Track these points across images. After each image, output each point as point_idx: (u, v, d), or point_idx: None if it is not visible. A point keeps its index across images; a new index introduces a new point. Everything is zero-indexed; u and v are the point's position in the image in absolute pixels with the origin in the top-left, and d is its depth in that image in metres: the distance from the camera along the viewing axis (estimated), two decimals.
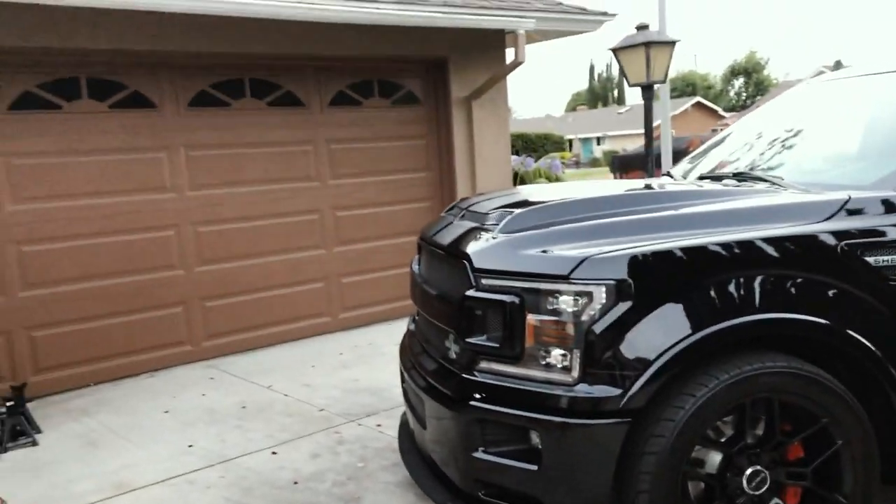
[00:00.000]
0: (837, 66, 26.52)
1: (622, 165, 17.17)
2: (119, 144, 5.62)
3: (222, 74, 6.07)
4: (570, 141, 52.12)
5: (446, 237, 3.20)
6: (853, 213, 2.66)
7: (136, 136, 5.69)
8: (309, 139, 6.54)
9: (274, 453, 4.11)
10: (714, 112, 51.97)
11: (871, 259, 2.58)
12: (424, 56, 6.93)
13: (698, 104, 52.56)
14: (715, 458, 2.56)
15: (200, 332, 6.07)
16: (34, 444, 4.42)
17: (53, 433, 4.59)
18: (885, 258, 2.58)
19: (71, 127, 5.44)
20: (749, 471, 2.54)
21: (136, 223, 5.72)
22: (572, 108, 78.67)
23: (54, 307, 5.42)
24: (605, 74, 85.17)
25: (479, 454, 2.65)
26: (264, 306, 6.37)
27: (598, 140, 55.33)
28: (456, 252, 2.96)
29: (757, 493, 2.54)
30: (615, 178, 17.92)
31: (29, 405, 4.79)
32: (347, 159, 6.74)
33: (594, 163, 47.19)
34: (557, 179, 11.31)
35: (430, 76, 7.16)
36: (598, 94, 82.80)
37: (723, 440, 2.58)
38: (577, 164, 45.46)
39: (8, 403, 4.57)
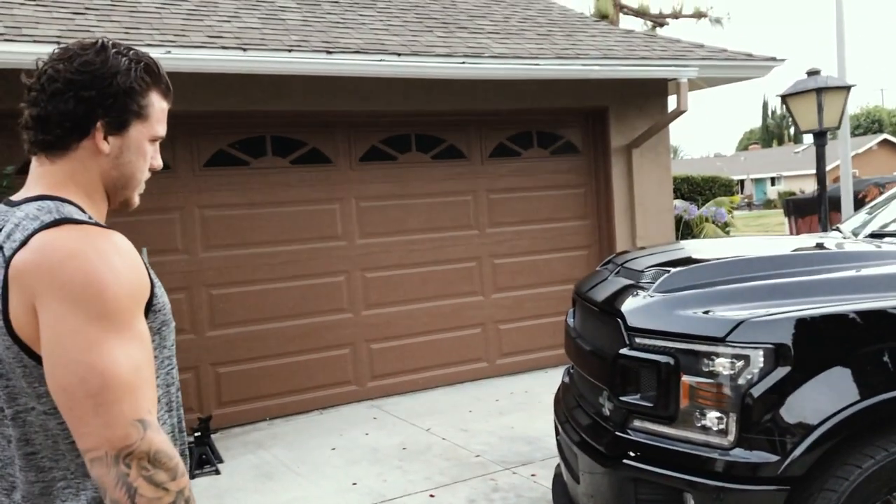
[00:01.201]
0: None
1: (797, 209, 16.25)
2: (297, 197, 6.10)
3: (390, 130, 6.45)
4: (742, 182, 49.91)
5: (601, 293, 3.25)
6: None
7: (313, 188, 6.16)
8: (469, 189, 6.78)
9: (432, 496, 4.26)
10: None
11: None
12: (583, 107, 7.02)
13: (885, 142, 48.81)
14: None
15: (366, 373, 6.39)
16: (217, 472, 4.83)
17: (233, 463, 4.99)
18: None
19: (256, 181, 5.98)
20: None
21: (310, 269, 6.16)
22: (744, 146, 75.49)
23: (237, 346, 5.92)
24: (779, 112, 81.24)
25: None
26: (425, 349, 6.62)
27: (773, 181, 52.66)
28: (610, 309, 3.01)
29: None
30: (789, 221, 16.97)
31: (213, 436, 5.24)
32: (505, 208, 6.92)
33: (768, 204, 44.92)
34: (724, 226, 10.93)
35: (590, 125, 7.24)
36: (773, 133, 78.95)
37: None
38: (750, 206, 43.45)
39: (196, 434, 5.03)
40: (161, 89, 1.46)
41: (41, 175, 1.40)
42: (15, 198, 1.40)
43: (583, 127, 7.26)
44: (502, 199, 6.93)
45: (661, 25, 15.97)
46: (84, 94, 1.35)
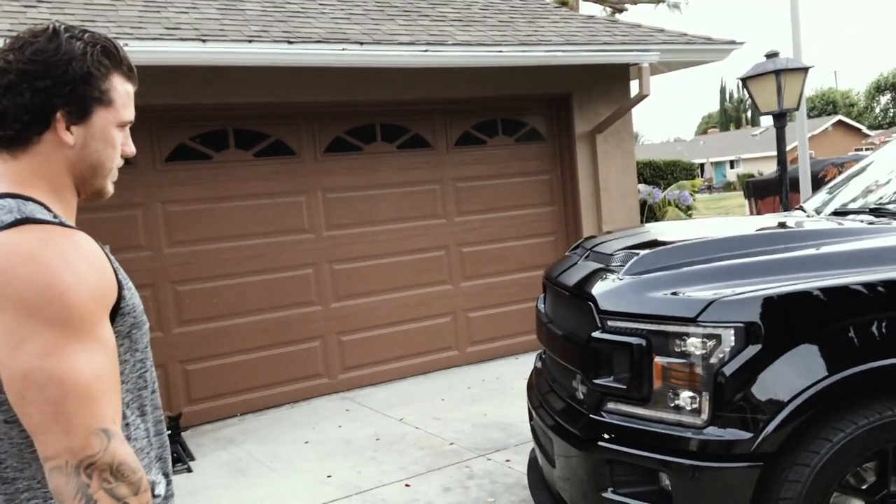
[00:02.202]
0: None
1: (757, 190, 16.49)
2: (262, 190, 6.03)
3: (355, 121, 6.40)
4: (702, 165, 50.57)
5: (571, 278, 3.27)
6: None
7: (278, 181, 6.09)
8: (436, 178, 6.77)
9: (407, 486, 4.26)
10: (858, 131, 49.11)
11: None
12: (547, 93, 7.03)
13: (840, 123, 49.81)
14: None
15: (337, 365, 6.36)
16: (189, 470, 4.78)
17: (205, 460, 4.94)
18: None
19: (219, 174, 5.89)
20: None
21: (277, 263, 6.10)
22: (703, 130, 76.48)
23: (205, 342, 5.84)
24: (737, 95, 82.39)
25: (609, 494, 2.68)
26: (395, 340, 6.60)
27: (732, 163, 53.45)
28: (581, 293, 3.02)
29: None
30: (749, 203, 17.22)
31: (183, 434, 5.18)
32: (472, 197, 6.92)
33: (728, 187, 45.60)
34: (687, 209, 11.06)
35: (553, 112, 7.26)
36: (731, 116, 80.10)
37: (864, 487, 2.49)
38: (710, 189, 44.07)
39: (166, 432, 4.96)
40: (123, 71, 1.39)
41: (3, 172, 1.33)
42: None
43: (547, 114, 7.28)
44: (469, 187, 6.92)
45: (621, 11, 16.07)
46: (39, 84, 1.28)
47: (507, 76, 6.51)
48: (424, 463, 4.56)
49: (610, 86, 7.13)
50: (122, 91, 1.39)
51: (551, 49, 6.27)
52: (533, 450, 3.72)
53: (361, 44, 5.58)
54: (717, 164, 54.03)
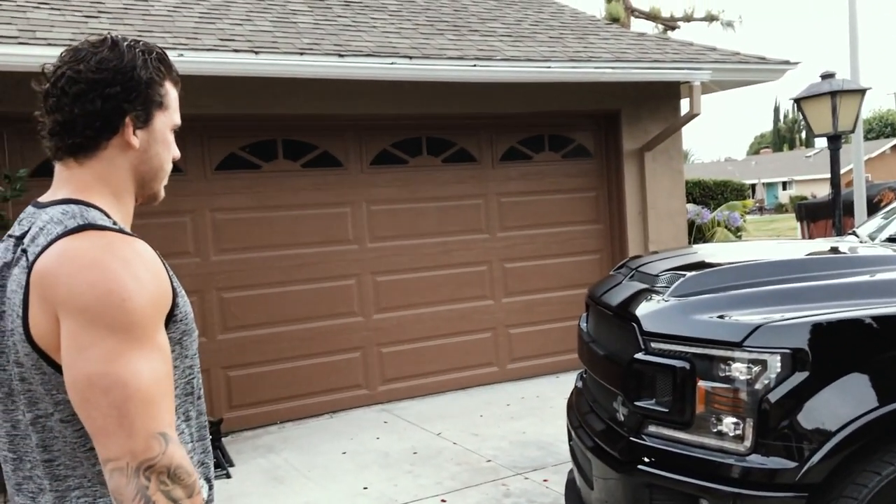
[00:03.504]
0: None
1: (810, 213, 16.14)
2: (308, 200, 6.10)
3: (401, 134, 6.44)
4: (753, 186, 49.71)
5: (615, 298, 3.23)
6: None
7: (324, 192, 6.15)
8: (480, 193, 6.76)
9: (443, 501, 4.24)
10: None
11: None
12: (596, 110, 6.99)
13: None
14: None
15: (376, 377, 6.38)
16: (228, 476, 4.82)
17: (244, 467, 4.98)
18: None
19: (267, 184, 5.98)
20: None
21: (321, 273, 6.15)
22: (755, 150, 75.24)
23: (247, 349, 5.92)
24: (791, 116, 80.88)
25: None
26: (436, 354, 6.59)
27: (784, 185, 52.43)
28: (625, 314, 2.98)
29: None
30: (802, 226, 16.84)
31: (223, 440, 5.24)
32: (516, 212, 6.90)
33: (780, 209, 44.72)
34: (737, 231, 10.87)
35: (602, 129, 7.21)
36: (784, 137, 78.64)
37: None
38: (762, 211, 43.27)
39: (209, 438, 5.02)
40: (173, 77, 1.47)
41: (68, 178, 1.38)
42: (42, 199, 1.39)
43: (595, 130, 7.23)
44: (513, 202, 6.90)
45: (673, 29, 15.93)
46: (109, 91, 1.34)
47: (556, 92, 6.49)
48: (461, 479, 4.53)
49: (659, 104, 7.06)
50: (174, 96, 1.47)
51: (600, 66, 6.24)
52: (571, 470, 3.67)
53: (410, 58, 5.62)
54: (769, 186, 53.06)
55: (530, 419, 5.63)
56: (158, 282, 1.29)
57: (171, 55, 4.90)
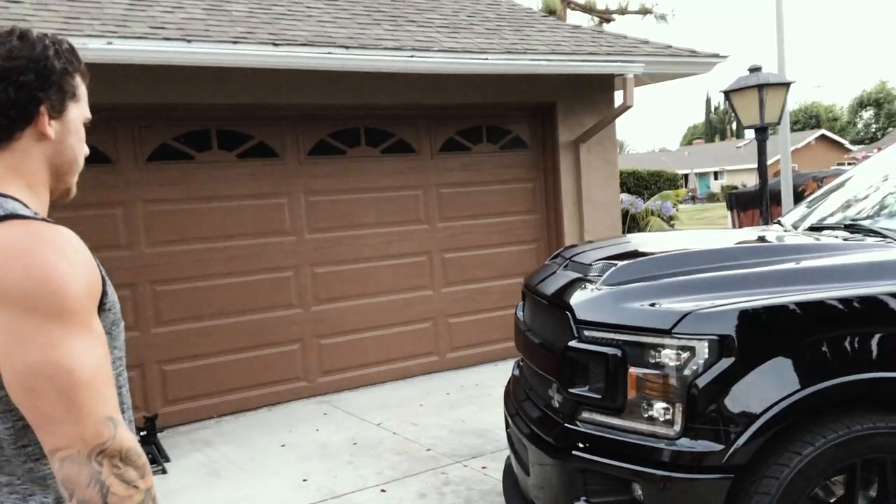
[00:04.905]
0: None
1: (740, 202, 16.66)
2: (244, 191, 6.01)
3: (339, 124, 6.40)
4: (686, 176, 50.92)
5: (550, 287, 3.28)
6: None
7: (260, 183, 6.07)
8: (419, 184, 6.77)
9: (383, 491, 4.25)
10: (840, 145, 49.61)
11: None
12: (532, 102, 7.06)
13: (823, 137, 50.31)
14: None
15: (315, 369, 6.34)
16: (164, 472, 4.74)
17: (180, 462, 4.90)
18: None
19: (202, 175, 5.87)
20: None
21: (258, 265, 6.08)
22: (689, 141, 76.97)
23: (183, 343, 5.81)
24: (722, 107, 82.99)
25: (581, 503, 2.69)
26: (376, 344, 6.59)
27: (716, 175, 53.82)
28: (559, 302, 3.04)
29: None
30: (732, 214, 17.38)
31: (159, 435, 5.15)
32: (455, 203, 6.93)
33: (712, 198, 45.91)
34: (670, 220, 11.13)
35: (538, 121, 7.29)
36: (716, 128, 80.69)
37: (832, 501, 2.52)
38: (694, 200, 44.34)
39: (141, 433, 4.93)
40: (82, 70, 1.45)
41: None
42: None
43: (531, 122, 7.30)
44: (452, 193, 6.94)
45: (608, 21, 16.16)
46: (23, 79, 1.32)
47: (493, 84, 6.53)
48: (401, 468, 4.56)
49: (594, 96, 7.17)
50: (84, 90, 1.45)
51: (537, 58, 6.31)
52: (508, 457, 3.73)
53: (347, 48, 5.58)
54: (702, 175, 54.39)
55: (469, 407, 5.68)
56: (90, 269, 1.28)
57: (100, 43, 4.76)
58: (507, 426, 3.57)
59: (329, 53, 5.46)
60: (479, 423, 5.24)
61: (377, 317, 6.62)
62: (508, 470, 3.69)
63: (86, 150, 1.48)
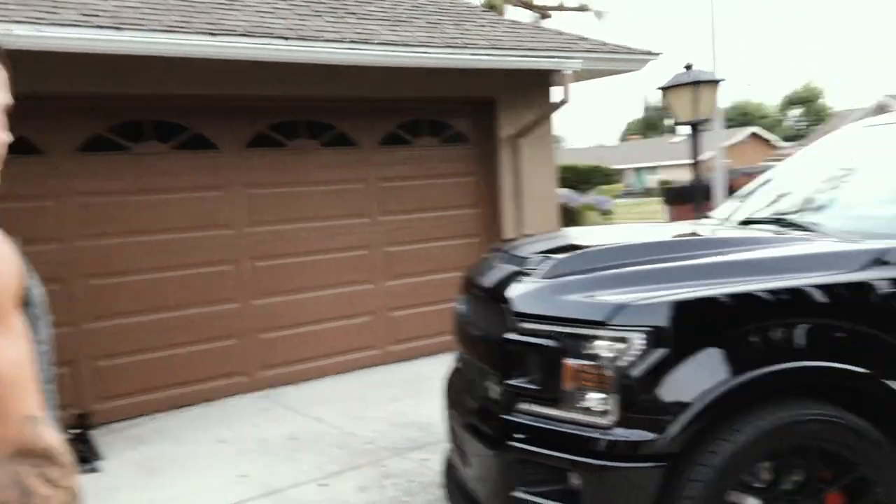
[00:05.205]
0: (882, 105, 25.99)
1: (674, 197, 17.07)
2: (181, 183, 5.89)
3: (279, 116, 6.33)
4: (624, 171, 51.81)
5: (488, 280, 3.32)
6: (889, 263, 2.69)
7: (198, 175, 5.96)
8: (361, 177, 6.75)
9: (323, 485, 4.24)
10: (769, 142, 51.11)
11: None
12: (472, 96, 7.10)
13: (754, 134, 51.76)
14: None
15: (255, 364, 6.27)
16: (95, 470, 4.63)
17: (115, 460, 4.80)
18: None
19: (137, 167, 5.73)
20: None
21: (195, 258, 5.97)
22: (626, 137, 78.27)
23: (117, 338, 5.68)
24: (658, 104, 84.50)
25: (519, 493, 2.73)
26: (316, 339, 6.55)
27: (652, 170, 54.87)
28: (497, 295, 3.07)
29: None
30: (667, 209, 17.77)
31: (93, 433, 5.02)
32: (397, 197, 6.93)
33: (647, 193, 46.81)
34: (606, 213, 11.33)
35: (479, 115, 7.33)
36: (652, 124, 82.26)
37: (760, 486, 2.61)
38: (631, 195, 45.17)
39: (73, 431, 4.80)
40: (2, 56, 1.37)
41: None
42: None
43: (472, 116, 7.34)
44: (394, 187, 6.93)
45: (546, 17, 16.33)
46: None
47: (433, 78, 6.54)
48: (341, 462, 4.55)
49: (533, 91, 7.25)
50: (3, 75, 1.37)
51: (477, 53, 6.34)
52: (449, 449, 3.76)
53: (286, 38, 5.52)
54: (638, 171, 55.41)
55: (411, 400, 5.69)
56: (12, 262, 1.24)
57: (29, 29, 4.60)
58: (448, 418, 3.59)
59: (267, 44, 5.39)
60: (421, 416, 5.26)
61: (319, 311, 6.57)
62: (448, 462, 3.72)
63: (7, 138, 1.43)
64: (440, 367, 5.68)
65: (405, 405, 5.60)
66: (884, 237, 2.84)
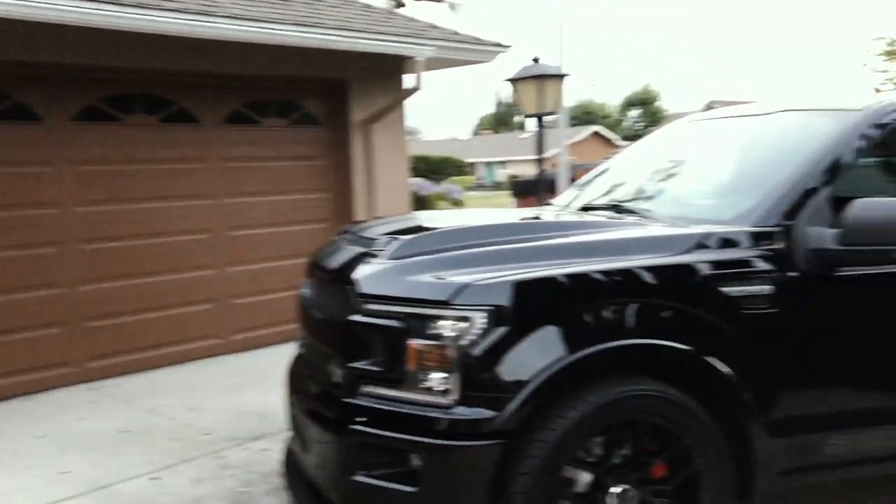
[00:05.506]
0: (709, 106, 28.37)
1: (522, 190, 17.64)
2: None
3: (114, 88, 5.92)
4: (475, 164, 52.90)
5: (334, 262, 3.24)
6: (710, 246, 2.86)
7: (17, 149, 5.47)
8: (203, 156, 6.44)
9: (154, 479, 4.00)
10: (611, 141, 53.82)
11: (727, 289, 2.77)
12: (324, 77, 6.95)
13: (597, 133, 54.32)
14: (585, 478, 2.67)
15: (83, 354, 5.84)
16: None
17: None
18: (740, 289, 2.77)
19: None
20: (617, 489, 2.66)
21: (13, 239, 5.48)
22: (479, 131, 79.86)
23: None
24: (509, 100, 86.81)
25: (360, 477, 2.68)
26: (152, 327, 6.19)
27: (503, 164, 56.34)
28: (343, 277, 3.00)
29: None
30: (515, 201, 18.36)
31: None
32: (243, 178, 6.67)
33: (498, 186, 48.06)
34: (457, 203, 11.49)
35: (330, 98, 7.19)
36: (503, 119, 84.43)
37: (593, 460, 2.70)
38: (481, 188, 46.19)
39: None
40: None
41: None
42: None
43: (323, 99, 7.19)
44: (240, 168, 6.67)
45: (401, 6, 16.33)
46: None
47: (283, 56, 6.34)
48: (175, 455, 4.32)
49: (386, 77, 7.20)
50: None
51: (328, 32, 6.20)
52: (291, 437, 3.66)
53: (121, 5, 5.15)
54: (489, 165, 56.74)
55: (253, 390, 5.51)
56: None
57: None
58: (290, 405, 3.49)
59: (97, 9, 5.00)
60: (263, 406, 5.09)
61: (155, 297, 6.22)
62: (290, 450, 3.62)
63: None
64: (286, 357, 5.53)
65: (247, 395, 5.40)
66: (706, 222, 3.01)
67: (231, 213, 6.63)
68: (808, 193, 2.93)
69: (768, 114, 3.75)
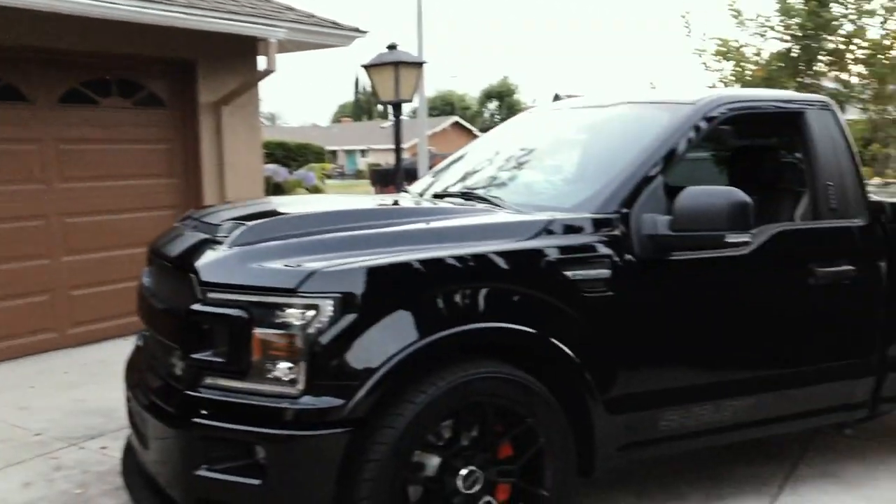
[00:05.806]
0: (556, 98, 29.67)
1: (381, 178, 17.63)
2: None
3: None
4: (335, 152, 52.32)
5: (175, 248, 3.09)
6: (554, 232, 2.94)
7: None
8: (34, 137, 5.98)
9: None
10: (470, 132, 54.77)
11: (569, 274, 2.86)
12: (170, 57, 6.62)
13: (456, 123, 55.09)
14: (434, 462, 2.69)
15: None
16: None
17: None
18: (581, 273, 2.87)
19: None
20: (463, 471, 2.70)
21: None
22: (338, 119, 79.04)
23: None
24: (369, 88, 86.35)
25: (203, 472, 2.58)
26: None
27: (363, 153, 56.04)
28: (183, 264, 2.87)
29: (470, 492, 2.70)
30: (376, 190, 18.34)
31: None
32: (81, 161, 6.25)
33: (358, 175, 47.77)
34: (316, 190, 11.31)
35: (177, 78, 6.86)
36: (363, 107, 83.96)
37: (441, 444, 2.72)
38: (342, 176, 45.75)
39: None
40: None
41: None
42: None
43: (169, 79, 6.85)
44: (76, 150, 6.24)
45: None
46: None
47: (125, 32, 5.98)
48: (2, 458, 3.99)
49: (237, 58, 6.95)
50: None
51: (171, 9, 5.90)
52: (130, 434, 3.47)
53: None
54: (350, 153, 56.31)
55: (92, 386, 5.19)
56: None
57: None
58: (127, 400, 3.30)
59: None
60: (102, 402, 4.80)
61: None
62: (129, 447, 3.43)
63: None
64: (128, 350, 5.26)
65: (85, 391, 5.09)
66: (551, 209, 3.10)
67: (68, 199, 6.20)
68: (644, 182, 3.07)
69: (609, 105, 3.91)
